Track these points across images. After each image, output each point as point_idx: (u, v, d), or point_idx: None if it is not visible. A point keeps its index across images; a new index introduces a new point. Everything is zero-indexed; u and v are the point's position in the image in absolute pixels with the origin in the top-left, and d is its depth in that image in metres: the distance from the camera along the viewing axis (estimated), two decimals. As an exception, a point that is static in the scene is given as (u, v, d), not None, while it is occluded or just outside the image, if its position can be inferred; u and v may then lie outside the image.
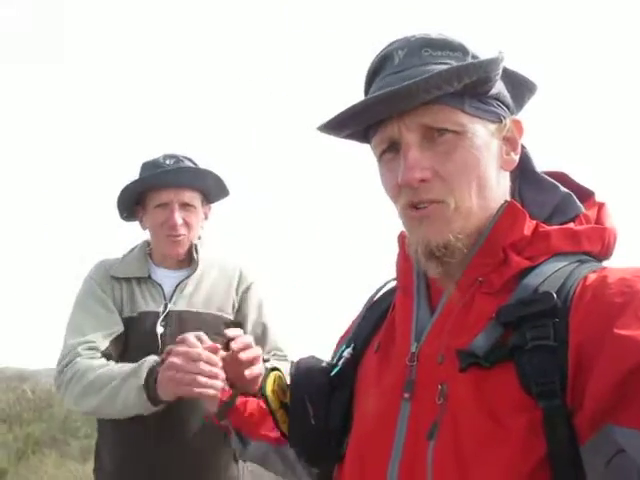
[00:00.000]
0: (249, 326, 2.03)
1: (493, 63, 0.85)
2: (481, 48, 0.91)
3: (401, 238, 1.02)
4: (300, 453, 1.03)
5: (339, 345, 1.08)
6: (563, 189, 0.94)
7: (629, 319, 0.72)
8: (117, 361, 1.87)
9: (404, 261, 1.00)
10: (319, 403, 0.97)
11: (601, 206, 0.93)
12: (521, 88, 0.98)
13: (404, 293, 0.97)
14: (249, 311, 2.06)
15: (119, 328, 1.92)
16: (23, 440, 8.96)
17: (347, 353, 1.01)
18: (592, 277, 0.81)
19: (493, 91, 0.89)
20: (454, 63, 0.86)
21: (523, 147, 0.96)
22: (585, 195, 0.95)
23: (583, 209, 0.92)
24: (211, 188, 2.06)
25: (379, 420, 0.88)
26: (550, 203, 0.94)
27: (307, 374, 1.00)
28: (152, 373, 1.64)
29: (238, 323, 1.99)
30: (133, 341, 1.94)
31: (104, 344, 1.87)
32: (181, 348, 1.52)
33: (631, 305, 0.73)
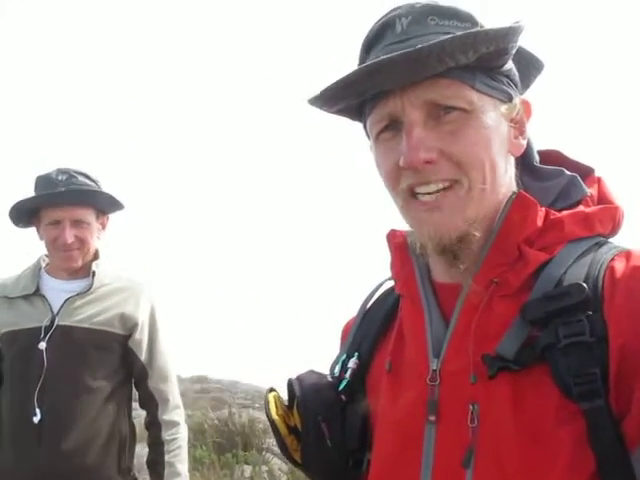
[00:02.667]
0: (144, 347, 2.15)
1: (513, 32, 0.76)
2: (488, 22, 0.81)
3: (391, 238, 0.92)
4: (317, 479, 0.93)
5: (338, 355, 0.98)
6: (568, 173, 0.87)
7: None
8: None
9: (402, 265, 0.90)
10: (333, 422, 0.87)
11: (600, 181, 0.87)
12: (527, 66, 0.88)
13: (412, 303, 0.88)
14: (144, 335, 2.16)
15: None
16: None
17: (353, 363, 0.91)
18: (619, 267, 0.74)
19: (505, 67, 0.81)
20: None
21: None
22: (584, 172, 0.88)
23: (588, 191, 0.85)
24: (103, 205, 2.16)
25: (402, 446, 0.80)
26: (554, 188, 0.86)
27: (315, 392, 0.89)
28: None
29: (126, 337, 2.11)
30: (13, 357, 2.04)
31: None
32: None
33: None
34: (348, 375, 0.90)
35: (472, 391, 0.75)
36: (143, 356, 2.14)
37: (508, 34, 0.76)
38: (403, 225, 0.88)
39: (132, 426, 2.18)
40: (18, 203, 2.06)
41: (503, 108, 0.82)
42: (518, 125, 0.85)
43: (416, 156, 0.76)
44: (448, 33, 0.76)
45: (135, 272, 2.31)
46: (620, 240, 0.84)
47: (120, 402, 2.11)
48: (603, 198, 0.85)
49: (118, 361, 2.10)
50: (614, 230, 0.84)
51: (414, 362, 0.84)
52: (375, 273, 1.03)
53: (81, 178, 2.09)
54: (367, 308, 0.99)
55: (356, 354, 0.92)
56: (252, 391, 11.37)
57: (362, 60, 0.85)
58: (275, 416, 0.90)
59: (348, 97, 0.82)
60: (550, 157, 0.92)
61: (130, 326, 2.12)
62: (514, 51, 0.80)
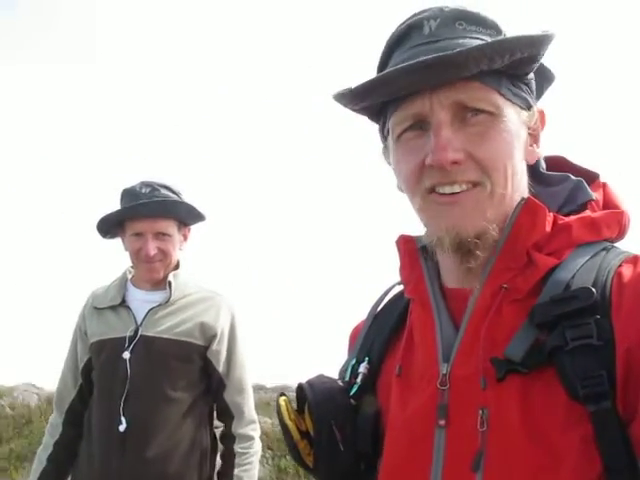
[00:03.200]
0: (222, 359, 2.14)
1: (547, 40, 0.78)
2: (510, 30, 0.83)
3: (401, 243, 0.93)
4: None
5: (348, 359, 0.98)
6: (574, 178, 0.88)
7: None
8: (88, 385, 2.15)
9: (411, 269, 0.91)
10: (346, 427, 0.86)
11: (605, 186, 0.88)
12: (540, 77, 0.89)
13: (421, 306, 0.88)
14: (223, 346, 2.15)
15: (80, 381, 2.20)
16: (5, 456, 8.90)
17: (364, 368, 0.91)
18: (627, 272, 0.75)
19: (529, 75, 0.83)
20: (488, 40, 0.78)
21: None
22: (589, 178, 0.89)
23: (593, 195, 0.86)
24: (185, 216, 2.19)
25: (412, 450, 0.80)
26: (561, 193, 0.88)
27: (327, 396, 0.89)
28: None
29: (205, 347, 2.11)
30: (100, 366, 2.10)
31: (72, 395, 2.20)
32: None
33: None
34: (359, 380, 0.91)
35: (481, 396, 0.75)
36: (221, 368, 2.13)
37: (543, 41, 0.77)
38: (412, 230, 0.91)
39: (213, 438, 2.18)
40: (104, 217, 2.13)
41: (523, 115, 0.83)
42: (534, 133, 0.87)
43: (445, 155, 0.76)
44: (474, 38, 0.79)
45: (216, 283, 2.32)
46: (626, 244, 0.85)
47: (201, 414, 2.12)
48: (609, 203, 0.86)
49: (198, 373, 2.11)
50: (620, 234, 0.85)
51: (424, 366, 0.84)
52: (385, 277, 1.03)
53: (164, 191, 2.13)
54: (376, 312, 0.99)
55: (367, 359, 0.92)
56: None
57: (385, 59, 0.86)
58: (288, 421, 0.90)
59: (380, 95, 0.82)
60: (555, 163, 0.93)
61: (209, 336, 2.12)
62: (542, 59, 0.81)
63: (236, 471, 2.09)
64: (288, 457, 6.70)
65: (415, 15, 0.84)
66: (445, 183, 0.79)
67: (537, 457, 0.69)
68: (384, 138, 0.90)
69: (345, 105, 0.86)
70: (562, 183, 0.89)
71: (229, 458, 2.12)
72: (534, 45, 0.77)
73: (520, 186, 0.83)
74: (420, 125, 0.81)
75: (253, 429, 2.16)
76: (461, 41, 0.78)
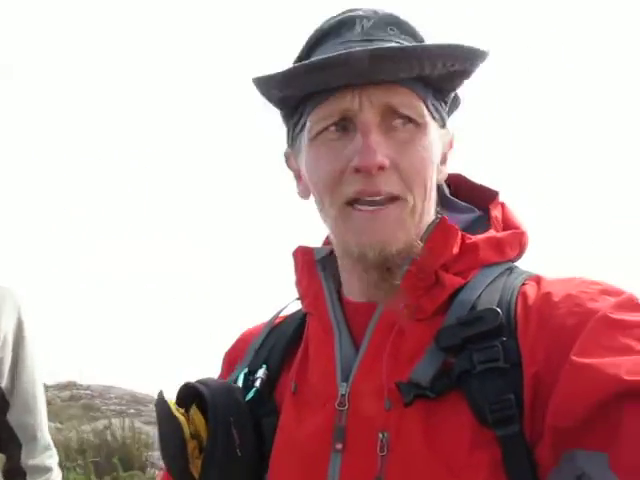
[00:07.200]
0: (4, 370, 1.62)
1: (484, 56, 0.79)
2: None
3: (300, 254, 0.90)
4: None
5: (234, 370, 0.92)
6: (478, 212, 0.89)
7: (587, 344, 0.66)
8: None
9: (309, 282, 0.88)
10: (245, 430, 0.81)
11: (503, 206, 0.88)
12: (453, 100, 0.90)
13: (319, 321, 0.85)
14: (6, 354, 1.63)
15: None
16: None
17: (262, 374, 0.87)
18: (531, 292, 0.76)
19: (451, 93, 0.84)
20: None
21: None
22: (489, 196, 0.89)
23: (491, 230, 0.85)
24: None
25: (305, 475, 0.77)
26: (464, 221, 0.87)
27: (225, 393, 0.83)
28: None
29: None
30: None
31: None
32: None
33: (585, 328, 0.68)
34: (258, 384, 0.86)
35: (382, 418, 0.74)
36: (4, 382, 1.60)
37: (480, 57, 0.78)
38: (309, 241, 0.92)
39: None
40: None
41: (442, 132, 0.83)
42: (444, 154, 0.86)
43: (374, 159, 0.74)
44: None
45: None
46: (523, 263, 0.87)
47: None
48: (508, 222, 0.87)
49: None
50: (520, 254, 0.87)
51: (320, 385, 0.82)
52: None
53: None
54: (273, 325, 0.97)
55: (264, 366, 0.89)
56: (127, 397, 10.57)
57: (306, 54, 0.83)
58: (177, 414, 0.81)
59: (303, 85, 0.78)
60: (453, 181, 0.92)
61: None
62: (472, 76, 0.82)
63: None
64: (78, 469, 5.90)
65: (345, 12, 0.82)
66: (369, 192, 0.76)
67: (443, 478, 0.68)
68: (292, 139, 0.86)
69: (267, 90, 0.82)
70: (467, 212, 0.89)
71: None
72: (474, 56, 0.78)
73: (432, 205, 0.83)
74: (343, 125, 0.78)
75: (50, 456, 1.67)
76: (394, 45, 0.77)
